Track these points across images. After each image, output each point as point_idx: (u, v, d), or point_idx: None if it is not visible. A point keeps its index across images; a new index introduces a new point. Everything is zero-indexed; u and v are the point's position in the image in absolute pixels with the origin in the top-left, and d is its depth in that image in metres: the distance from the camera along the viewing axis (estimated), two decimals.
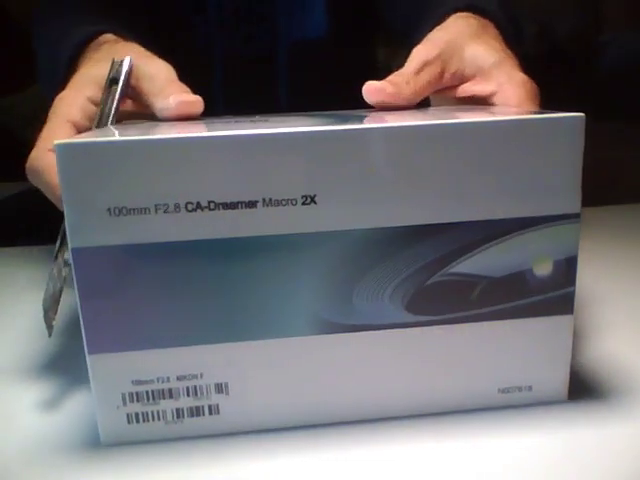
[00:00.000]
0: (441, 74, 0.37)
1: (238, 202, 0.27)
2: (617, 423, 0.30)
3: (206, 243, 0.28)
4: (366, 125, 0.28)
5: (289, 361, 0.30)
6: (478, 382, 0.31)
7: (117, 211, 0.27)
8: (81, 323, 0.28)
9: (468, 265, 0.29)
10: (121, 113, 0.36)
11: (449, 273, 0.29)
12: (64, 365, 0.38)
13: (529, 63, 0.36)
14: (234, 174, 0.27)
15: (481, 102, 0.37)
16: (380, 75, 0.36)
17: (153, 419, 0.30)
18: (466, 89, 0.38)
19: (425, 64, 0.36)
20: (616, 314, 0.42)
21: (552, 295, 0.30)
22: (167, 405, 0.30)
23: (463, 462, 0.28)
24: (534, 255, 0.30)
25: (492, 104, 0.37)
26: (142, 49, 0.38)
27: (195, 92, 0.35)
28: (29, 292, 0.50)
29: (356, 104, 0.37)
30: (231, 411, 0.30)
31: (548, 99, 0.35)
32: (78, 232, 0.27)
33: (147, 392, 0.29)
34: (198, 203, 0.27)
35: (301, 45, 0.57)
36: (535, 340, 0.31)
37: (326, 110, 0.39)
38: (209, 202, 0.27)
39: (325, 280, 0.29)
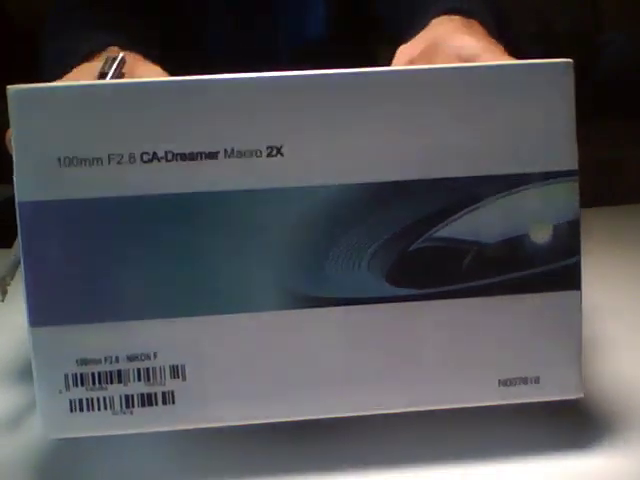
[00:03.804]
0: None
1: (198, 153, 0.25)
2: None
3: (162, 198, 0.25)
4: (336, 71, 0.26)
5: (253, 341, 0.26)
6: (474, 371, 0.27)
7: (67, 161, 0.25)
8: (23, 289, 0.25)
9: (455, 229, 0.26)
10: None
11: (434, 238, 0.26)
12: None
13: None
14: (193, 122, 0.25)
15: None
16: None
17: (99, 407, 0.26)
18: None
19: (411, 62, 0.36)
20: (616, 314, 0.42)
21: (554, 267, 0.27)
22: (115, 391, 0.26)
23: None
24: (530, 218, 0.26)
25: None
26: (143, 58, 0.39)
27: None
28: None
29: None
30: (187, 400, 0.26)
31: None
32: (25, 184, 0.25)
33: (93, 374, 0.26)
34: (154, 153, 0.25)
35: (302, 45, 0.58)
36: (538, 320, 0.27)
37: None
38: (166, 152, 0.25)
39: (293, 244, 0.26)
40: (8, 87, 0.25)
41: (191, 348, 0.26)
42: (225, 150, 0.25)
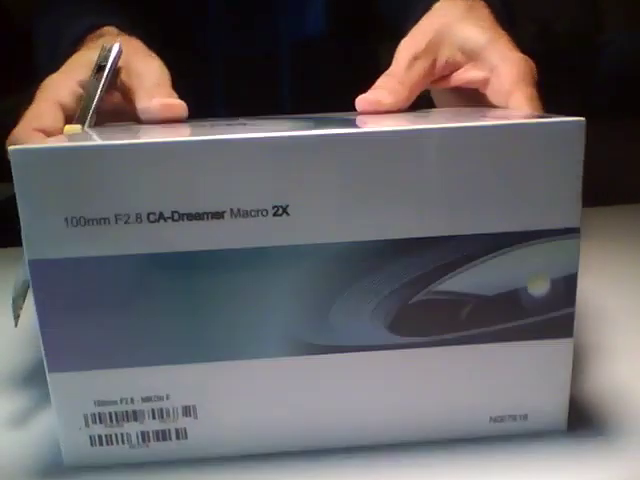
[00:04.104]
0: (433, 65, 0.35)
1: (204, 213, 0.26)
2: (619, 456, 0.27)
3: (170, 256, 0.26)
4: (339, 130, 0.26)
5: (260, 384, 0.28)
6: (468, 409, 0.29)
7: (75, 221, 0.25)
8: (40, 340, 0.27)
9: (456, 283, 0.27)
10: (109, 106, 0.35)
11: (435, 291, 0.27)
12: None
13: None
14: (199, 182, 0.25)
15: (477, 90, 0.35)
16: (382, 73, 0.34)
17: (117, 442, 0.28)
18: (459, 77, 0.36)
19: (415, 58, 0.34)
20: (616, 314, 0.42)
21: (549, 317, 0.28)
22: (132, 428, 0.28)
23: None
24: (529, 273, 0.27)
25: (487, 90, 0.35)
26: (142, 46, 0.37)
27: (196, 92, 0.35)
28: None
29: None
30: (199, 435, 0.28)
31: (548, 99, 0.32)
32: (34, 243, 0.26)
33: (110, 413, 0.28)
34: (161, 213, 0.26)
35: (302, 44, 0.56)
36: (531, 365, 0.28)
37: (327, 111, 0.37)
38: (172, 212, 0.26)
39: (299, 297, 0.27)
40: (10, 148, 0.25)
41: (201, 390, 0.28)
42: (231, 210, 0.26)
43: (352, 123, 0.29)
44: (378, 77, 0.34)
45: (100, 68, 0.34)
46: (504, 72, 0.33)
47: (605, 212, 0.67)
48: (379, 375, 0.28)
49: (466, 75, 0.35)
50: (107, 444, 0.28)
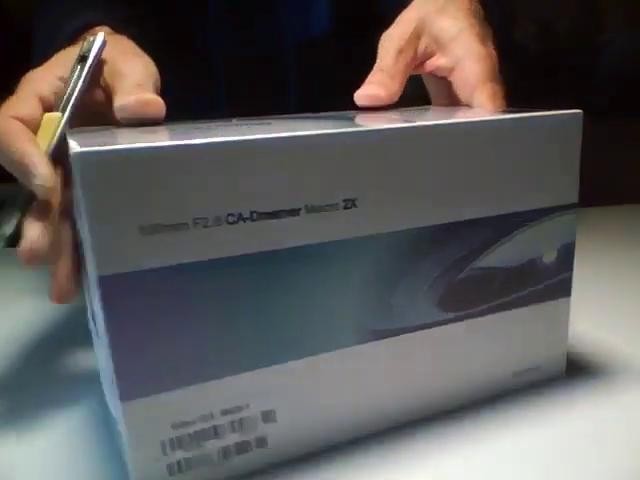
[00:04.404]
0: (415, 55, 0.37)
1: (281, 211, 0.26)
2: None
3: (248, 258, 0.26)
4: (403, 125, 0.28)
5: (332, 375, 0.28)
6: (497, 369, 0.32)
7: (151, 229, 0.24)
8: (110, 367, 0.24)
9: (491, 258, 0.30)
10: (90, 102, 0.32)
11: (474, 268, 0.30)
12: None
13: (530, 63, 0.37)
14: (276, 180, 0.26)
15: (443, 77, 0.38)
16: None
17: (198, 465, 0.26)
18: (431, 63, 0.38)
19: (400, 51, 0.37)
20: (615, 313, 0.43)
21: (555, 280, 0.32)
22: (212, 446, 0.26)
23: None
24: (542, 244, 0.32)
25: (452, 79, 0.37)
26: (132, 45, 0.35)
27: (198, 93, 0.33)
28: (28, 293, 0.49)
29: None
30: (278, 440, 0.28)
31: (548, 99, 0.36)
32: (106, 257, 0.24)
33: (190, 435, 0.26)
34: (240, 214, 0.25)
35: (303, 44, 0.56)
36: (541, 323, 0.33)
37: (331, 110, 0.38)
38: (251, 212, 0.25)
39: (366, 286, 0.28)
40: (74, 151, 0.23)
41: (279, 393, 0.27)
42: (306, 206, 0.26)
43: (369, 119, 0.31)
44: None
45: (83, 59, 0.32)
46: (467, 66, 0.36)
47: (605, 212, 0.66)
48: (430, 349, 0.30)
49: (436, 62, 0.38)
50: (187, 469, 0.26)
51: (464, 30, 0.37)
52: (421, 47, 0.38)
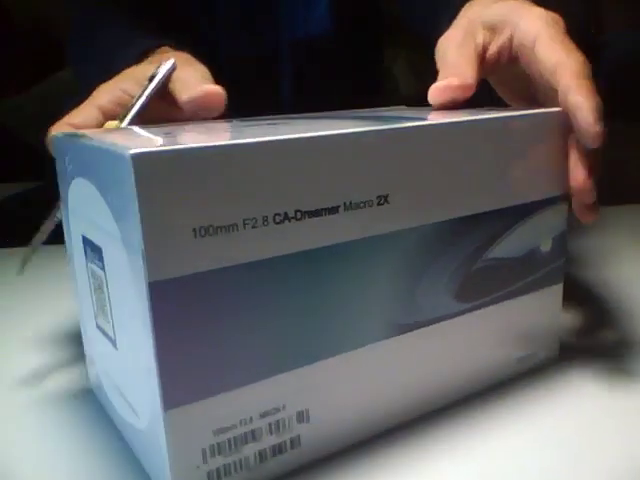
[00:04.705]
0: (475, 44, 0.35)
1: (322, 209, 0.25)
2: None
3: (292, 257, 0.25)
4: (434, 121, 0.28)
5: (363, 371, 0.28)
6: (502, 356, 0.34)
7: (203, 231, 0.23)
8: (154, 374, 0.23)
9: (499, 249, 0.32)
10: (154, 113, 0.35)
11: (486, 259, 0.31)
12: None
13: None
14: (318, 178, 0.25)
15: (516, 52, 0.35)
16: (383, 72, 0.35)
17: (236, 470, 0.26)
18: (491, 53, 0.36)
19: (460, 45, 0.35)
20: (615, 314, 0.43)
21: (551, 267, 0.34)
22: (250, 450, 0.26)
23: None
24: (541, 233, 0.33)
25: (514, 46, 0.35)
26: (190, 57, 0.38)
27: None
28: (28, 293, 0.50)
29: (359, 102, 0.36)
30: (311, 440, 0.27)
31: None
32: (158, 262, 0.22)
33: (230, 440, 0.25)
34: (285, 214, 0.24)
35: (304, 44, 0.55)
36: (538, 309, 0.34)
37: (329, 109, 0.39)
38: (296, 211, 0.25)
39: (395, 280, 0.28)
40: (126, 152, 0.21)
41: (313, 392, 0.27)
42: (344, 204, 0.26)
43: (416, 117, 0.31)
44: (379, 77, 0.35)
45: (152, 78, 0.35)
46: (527, 25, 0.33)
47: (605, 212, 0.66)
48: (448, 341, 0.31)
49: (495, 46, 0.35)
50: (225, 475, 0.25)
51: (516, 6, 0.35)
52: (479, 37, 0.36)
